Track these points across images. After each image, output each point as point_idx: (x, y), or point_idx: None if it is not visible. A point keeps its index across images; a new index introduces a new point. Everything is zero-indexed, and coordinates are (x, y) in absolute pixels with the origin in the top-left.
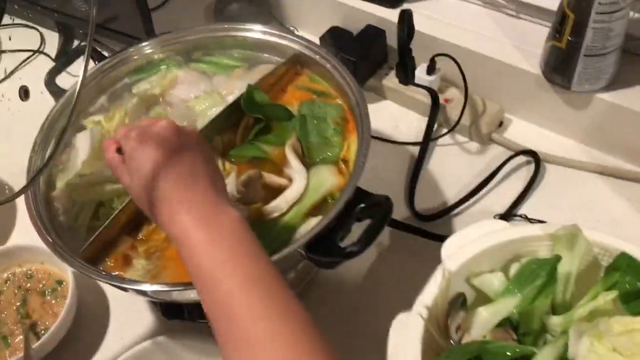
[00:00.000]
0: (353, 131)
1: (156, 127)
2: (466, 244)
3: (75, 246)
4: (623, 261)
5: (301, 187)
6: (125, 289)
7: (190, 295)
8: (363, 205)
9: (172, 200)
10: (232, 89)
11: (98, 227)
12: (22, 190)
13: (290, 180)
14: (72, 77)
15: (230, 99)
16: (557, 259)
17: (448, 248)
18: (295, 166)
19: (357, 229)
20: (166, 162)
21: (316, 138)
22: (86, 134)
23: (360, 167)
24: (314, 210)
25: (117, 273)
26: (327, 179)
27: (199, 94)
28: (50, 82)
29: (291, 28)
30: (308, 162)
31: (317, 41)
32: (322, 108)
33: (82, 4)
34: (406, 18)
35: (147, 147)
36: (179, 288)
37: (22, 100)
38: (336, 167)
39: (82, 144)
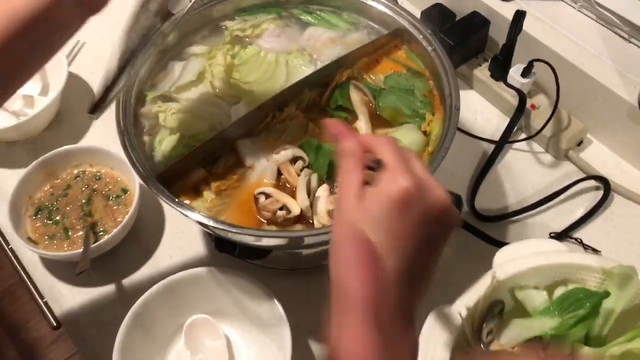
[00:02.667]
0: (439, 108)
1: (439, 201)
2: (519, 257)
3: (151, 164)
4: None
5: None
6: (186, 215)
7: (245, 238)
8: None
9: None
10: (320, 54)
11: (176, 155)
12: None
13: None
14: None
15: (319, 64)
16: (606, 295)
17: (501, 257)
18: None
19: None
20: (426, 263)
21: (402, 106)
22: (184, 64)
23: (439, 160)
24: None
25: (186, 201)
26: (410, 134)
27: (291, 50)
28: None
29: None
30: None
31: (419, 14)
32: (410, 81)
33: None
34: (520, 19)
35: (423, 222)
36: (237, 231)
37: None
38: (420, 130)
39: (178, 71)
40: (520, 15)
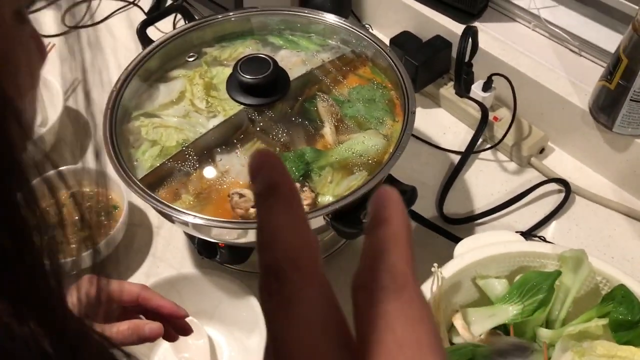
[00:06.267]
0: (400, 114)
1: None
2: (479, 247)
3: (135, 174)
4: (619, 292)
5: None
6: (169, 217)
7: (225, 235)
8: None
9: None
10: (292, 73)
11: (157, 164)
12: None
13: None
14: (159, 32)
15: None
16: (558, 273)
17: (462, 247)
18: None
19: None
20: None
21: (365, 113)
22: (168, 86)
23: (396, 156)
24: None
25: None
26: (372, 138)
27: None
28: (141, 32)
29: (366, 25)
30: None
31: (388, 41)
32: (373, 91)
33: None
34: (469, 34)
35: None
36: (217, 224)
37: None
38: (381, 135)
39: (162, 92)
40: (469, 30)
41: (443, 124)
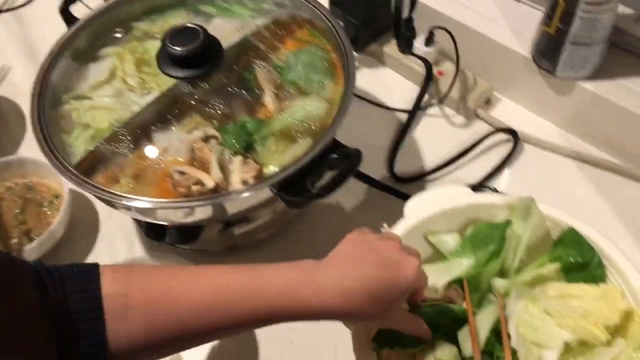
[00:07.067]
0: (341, 76)
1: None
2: (428, 204)
3: (70, 161)
4: (569, 236)
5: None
6: (110, 203)
7: (171, 216)
8: (336, 156)
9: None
10: (227, 41)
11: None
12: None
13: None
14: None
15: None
16: (508, 223)
17: (411, 204)
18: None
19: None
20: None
21: (305, 78)
22: (98, 65)
23: (339, 120)
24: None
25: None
26: (314, 103)
27: None
28: (64, 10)
29: None
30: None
31: (327, 1)
32: (312, 55)
33: None
34: None
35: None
36: (160, 205)
37: None
38: (323, 99)
39: (93, 72)
40: None
41: (389, 83)
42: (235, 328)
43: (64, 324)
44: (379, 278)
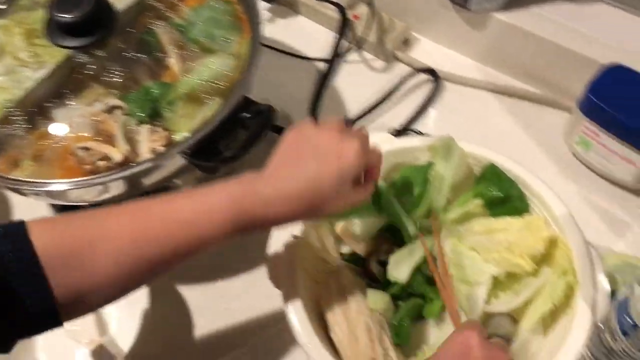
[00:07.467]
0: (248, 29)
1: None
2: None
3: None
4: (489, 171)
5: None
6: (16, 190)
7: (84, 195)
8: (248, 115)
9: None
10: (121, 3)
11: None
12: None
13: None
14: None
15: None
16: (430, 165)
17: None
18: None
19: None
20: None
21: (209, 35)
22: None
23: (248, 76)
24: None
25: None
26: (221, 60)
27: None
28: None
29: None
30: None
31: None
32: (215, 10)
33: None
34: None
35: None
36: (69, 186)
37: None
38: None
39: None
40: None
41: (305, 32)
42: (183, 256)
43: (3, 289)
44: (319, 173)
